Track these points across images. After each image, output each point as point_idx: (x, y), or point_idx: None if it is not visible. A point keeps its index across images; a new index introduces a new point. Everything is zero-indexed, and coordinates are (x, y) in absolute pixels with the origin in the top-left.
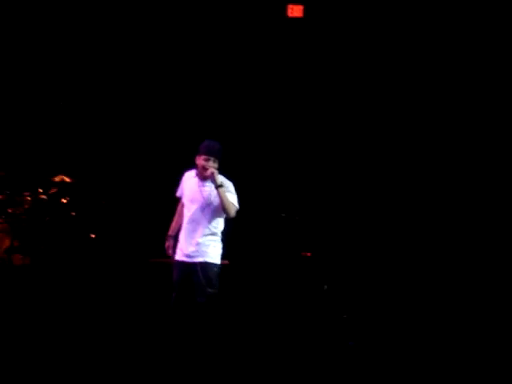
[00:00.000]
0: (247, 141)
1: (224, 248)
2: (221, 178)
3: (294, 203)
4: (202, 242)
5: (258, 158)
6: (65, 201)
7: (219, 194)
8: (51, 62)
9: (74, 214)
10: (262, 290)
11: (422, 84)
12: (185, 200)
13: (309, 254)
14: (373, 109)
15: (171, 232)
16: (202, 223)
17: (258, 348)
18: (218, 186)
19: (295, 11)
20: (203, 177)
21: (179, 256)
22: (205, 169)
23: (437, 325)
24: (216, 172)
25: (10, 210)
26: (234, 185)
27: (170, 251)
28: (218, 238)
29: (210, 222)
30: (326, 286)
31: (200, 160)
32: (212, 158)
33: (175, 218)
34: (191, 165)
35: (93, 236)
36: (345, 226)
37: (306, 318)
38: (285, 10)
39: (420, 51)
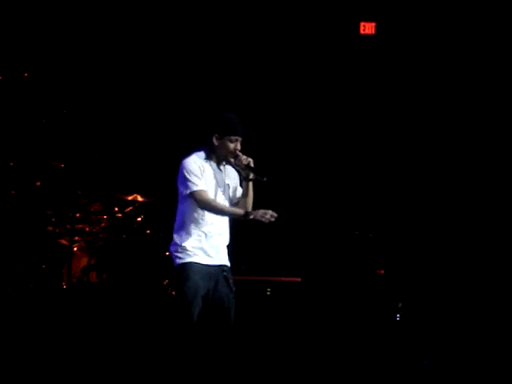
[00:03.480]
0: (323, 158)
1: (297, 265)
2: None
3: (368, 220)
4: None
5: (332, 175)
6: (139, 219)
7: (249, 189)
8: (127, 83)
9: (148, 232)
10: (336, 308)
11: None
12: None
13: (382, 272)
14: (448, 125)
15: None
16: (227, 227)
17: (331, 366)
18: (250, 180)
19: (367, 28)
20: (224, 162)
21: (203, 259)
22: (233, 154)
23: None
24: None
25: (87, 229)
26: None
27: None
28: None
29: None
30: (400, 304)
31: (227, 142)
32: (240, 139)
33: (224, 205)
34: None
35: (167, 254)
36: (419, 242)
37: (380, 336)
38: (357, 28)
39: (497, 69)
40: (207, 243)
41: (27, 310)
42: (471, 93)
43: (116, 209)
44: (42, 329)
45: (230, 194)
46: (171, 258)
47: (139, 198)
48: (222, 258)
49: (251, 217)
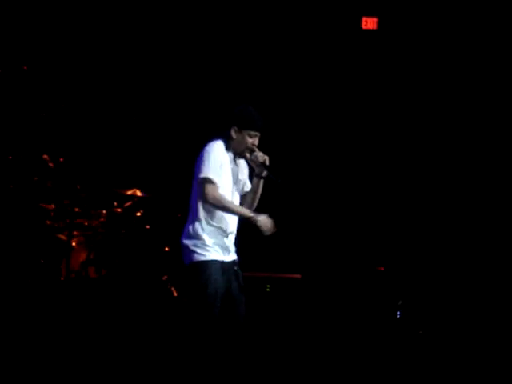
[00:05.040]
0: (322, 154)
1: (296, 261)
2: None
3: (368, 217)
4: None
5: (332, 172)
6: (139, 214)
7: (260, 186)
8: (124, 80)
9: (148, 227)
10: (336, 305)
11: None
12: (220, 188)
13: (382, 269)
14: (453, 120)
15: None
16: (237, 221)
17: (330, 363)
18: (262, 177)
19: (369, 23)
20: (239, 156)
21: (220, 255)
22: (250, 149)
23: None
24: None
25: (85, 224)
26: None
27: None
28: None
29: None
30: (400, 302)
31: (246, 136)
32: (259, 135)
33: (235, 204)
34: None
35: (167, 249)
36: (419, 240)
37: (380, 334)
38: (359, 23)
39: (499, 64)
40: (225, 238)
41: (25, 305)
42: (473, 88)
43: (115, 203)
44: (40, 324)
45: (240, 188)
46: (185, 251)
47: (138, 193)
48: (233, 253)
49: (254, 222)
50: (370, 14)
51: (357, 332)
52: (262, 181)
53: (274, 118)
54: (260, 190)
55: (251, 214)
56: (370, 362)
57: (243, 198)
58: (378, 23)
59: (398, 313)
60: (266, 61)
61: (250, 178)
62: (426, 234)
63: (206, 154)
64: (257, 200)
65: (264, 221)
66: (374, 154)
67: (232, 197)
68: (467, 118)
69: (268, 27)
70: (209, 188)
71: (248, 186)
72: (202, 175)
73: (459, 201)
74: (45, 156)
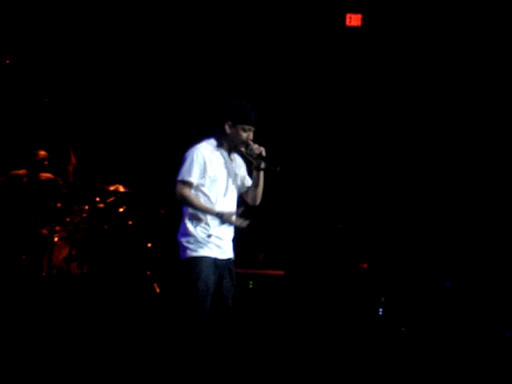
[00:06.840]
0: (310, 152)
1: (280, 259)
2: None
3: (352, 214)
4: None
5: (316, 167)
6: (122, 210)
7: (260, 179)
8: (112, 76)
9: (131, 223)
10: (319, 302)
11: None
12: (210, 185)
13: (365, 266)
14: (436, 117)
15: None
16: (235, 214)
17: (313, 360)
18: (262, 169)
19: (354, 20)
20: (234, 151)
21: (214, 252)
22: (245, 143)
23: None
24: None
25: (68, 219)
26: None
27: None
28: None
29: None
30: (383, 299)
31: (240, 131)
32: (253, 129)
33: (200, 202)
34: None
35: (149, 245)
36: (402, 236)
37: (363, 331)
38: (343, 20)
39: (484, 62)
40: (218, 235)
41: (6, 301)
42: (459, 83)
43: (98, 199)
44: (22, 320)
45: (239, 183)
46: (180, 247)
47: (121, 189)
48: (229, 251)
49: (222, 218)
50: (354, 11)
51: (340, 329)
52: (262, 173)
53: (260, 115)
54: (261, 183)
55: (216, 211)
56: (352, 358)
57: (246, 193)
58: (363, 20)
59: (381, 310)
60: (251, 58)
61: (249, 173)
62: (409, 230)
63: (186, 157)
64: (260, 193)
65: (227, 216)
66: (357, 151)
67: (227, 193)
68: (453, 114)
69: (252, 24)
70: (179, 187)
71: (249, 181)
72: (177, 177)
73: (442, 198)
74: (42, 152)
